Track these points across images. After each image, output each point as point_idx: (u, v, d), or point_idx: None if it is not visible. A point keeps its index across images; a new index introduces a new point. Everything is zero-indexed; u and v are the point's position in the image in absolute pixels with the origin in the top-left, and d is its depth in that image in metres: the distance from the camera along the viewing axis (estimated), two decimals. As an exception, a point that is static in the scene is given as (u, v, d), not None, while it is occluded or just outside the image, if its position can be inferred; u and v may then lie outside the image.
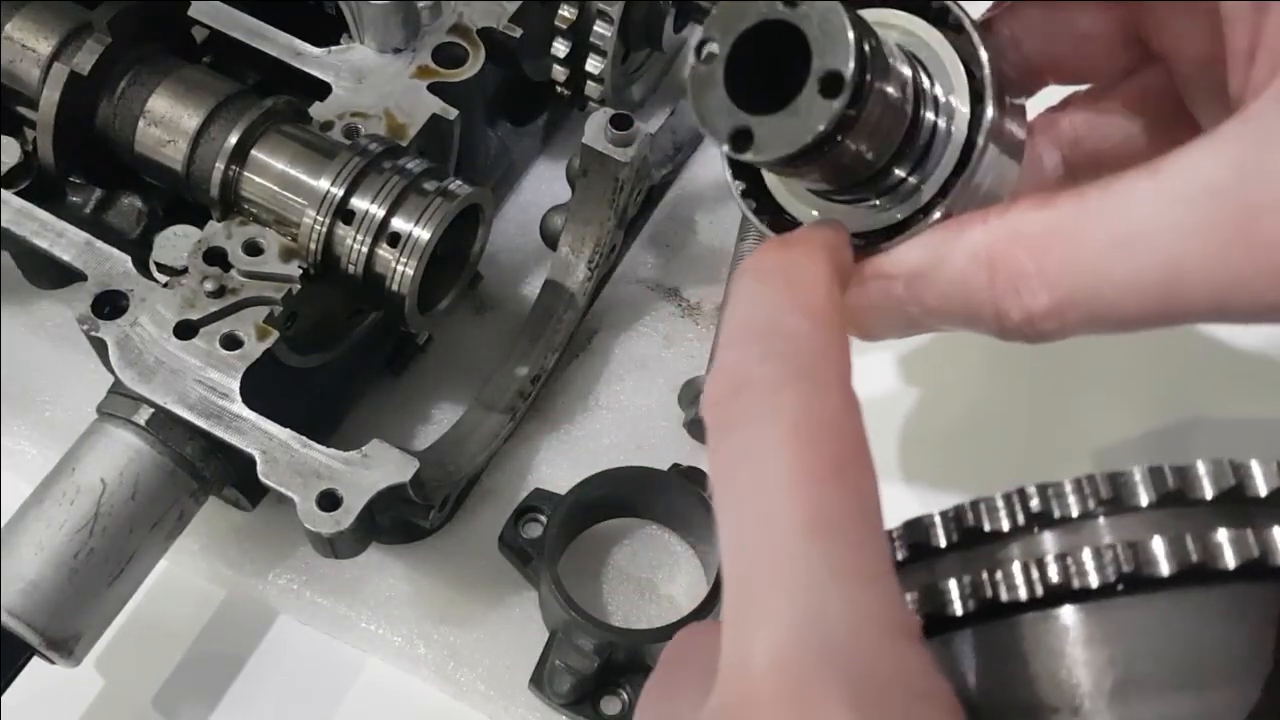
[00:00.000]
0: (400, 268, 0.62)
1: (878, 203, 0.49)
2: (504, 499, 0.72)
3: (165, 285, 0.63)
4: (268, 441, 0.60)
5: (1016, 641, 0.37)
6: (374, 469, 0.60)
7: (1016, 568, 0.37)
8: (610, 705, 0.66)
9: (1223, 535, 0.36)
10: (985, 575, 0.37)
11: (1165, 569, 0.36)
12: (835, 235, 0.45)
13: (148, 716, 0.68)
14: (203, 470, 0.62)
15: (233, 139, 0.64)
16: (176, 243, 0.64)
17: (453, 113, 0.68)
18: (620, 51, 0.75)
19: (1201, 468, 0.37)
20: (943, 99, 0.48)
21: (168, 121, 0.66)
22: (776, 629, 0.35)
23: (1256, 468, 0.37)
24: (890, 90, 0.45)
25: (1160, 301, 0.44)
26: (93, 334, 0.62)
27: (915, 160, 0.48)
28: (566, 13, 0.72)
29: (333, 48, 0.70)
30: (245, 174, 0.65)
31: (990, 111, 0.47)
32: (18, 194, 0.66)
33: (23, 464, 0.72)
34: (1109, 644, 0.36)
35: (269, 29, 0.70)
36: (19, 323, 0.77)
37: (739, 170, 0.51)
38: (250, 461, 0.60)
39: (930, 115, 0.48)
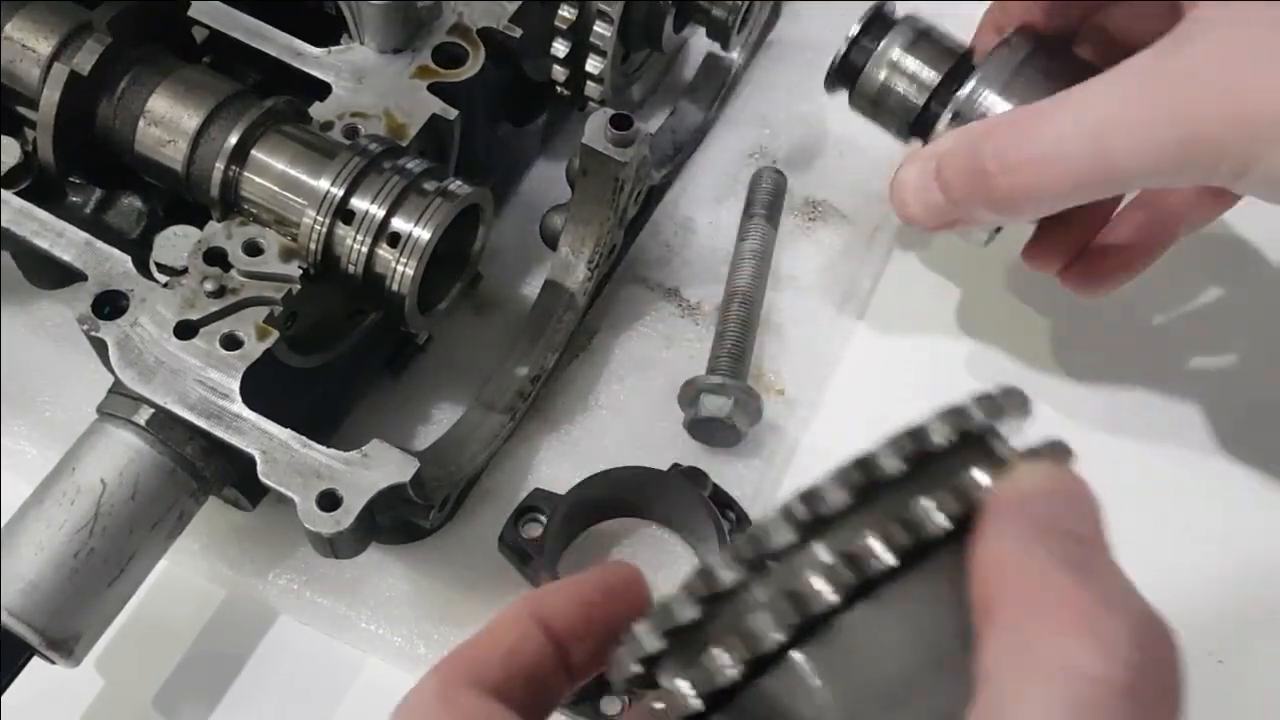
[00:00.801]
0: (400, 268, 0.62)
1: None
2: (504, 499, 0.72)
3: (165, 285, 0.63)
4: (268, 441, 0.60)
5: (754, 713, 0.37)
6: (374, 469, 0.60)
7: (715, 651, 0.36)
8: (610, 705, 0.66)
9: (872, 539, 0.36)
10: (702, 665, 0.37)
11: (830, 599, 0.36)
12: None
13: (148, 717, 0.68)
14: (203, 470, 0.62)
15: (233, 139, 0.64)
16: (176, 243, 0.64)
17: (452, 113, 0.68)
18: (620, 52, 0.75)
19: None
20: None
21: (168, 121, 0.66)
22: None
23: (830, 485, 0.37)
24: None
25: (1093, 151, 0.58)
26: (93, 334, 0.62)
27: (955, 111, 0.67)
28: (566, 13, 0.72)
29: (333, 48, 0.70)
30: (245, 174, 0.65)
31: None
32: (18, 194, 0.66)
33: (23, 464, 0.72)
34: (825, 685, 0.36)
35: (269, 29, 0.70)
36: (19, 323, 0.77)
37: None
38: (250, 461, 0.60)
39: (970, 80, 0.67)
